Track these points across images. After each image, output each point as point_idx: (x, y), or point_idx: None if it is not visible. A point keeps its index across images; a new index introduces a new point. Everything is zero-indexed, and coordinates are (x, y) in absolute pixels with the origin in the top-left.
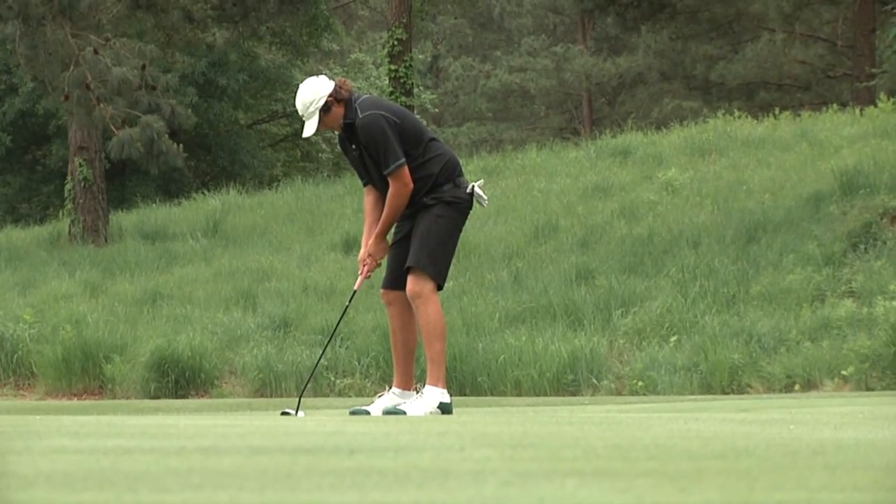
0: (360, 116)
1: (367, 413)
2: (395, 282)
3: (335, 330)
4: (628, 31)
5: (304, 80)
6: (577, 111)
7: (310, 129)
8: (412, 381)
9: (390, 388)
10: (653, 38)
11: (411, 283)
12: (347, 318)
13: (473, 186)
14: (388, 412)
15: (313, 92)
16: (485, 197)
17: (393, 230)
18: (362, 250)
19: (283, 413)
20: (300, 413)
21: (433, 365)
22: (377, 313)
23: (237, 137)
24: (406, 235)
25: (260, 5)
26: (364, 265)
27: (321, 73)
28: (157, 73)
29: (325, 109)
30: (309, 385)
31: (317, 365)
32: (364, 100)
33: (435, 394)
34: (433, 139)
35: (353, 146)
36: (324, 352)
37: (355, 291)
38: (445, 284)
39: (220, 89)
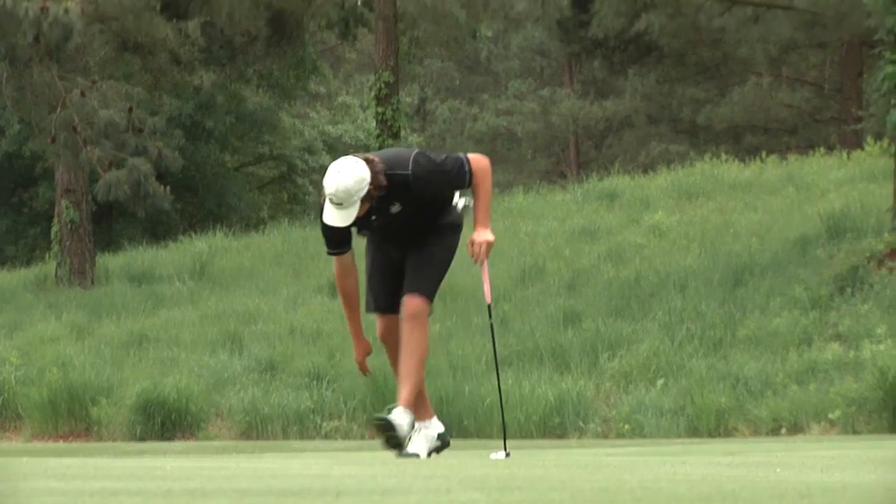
0: (409, 172)
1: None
2: (396, 305)
3: (495, 349)
4: (615, 74)
5: (338, 163)
6: (564, 154)
7: (349, 217)
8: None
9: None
10: (640, 82)
11: (418, 302)
12: (333, 361)
13: (464, 204)
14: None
15: (358, 180)
16: (470, 206)
17: (383, 245)
18: (480, 240)
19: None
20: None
21: (414, 390)
22: None
23: (224, 180)
24: (401, 254)
25: (247, 48)
26: (481, 253)
27: (351, 157)
28: (144, 116)
29: (366, 197)
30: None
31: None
32: (388, 160)
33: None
34: None
35: (387, 208)
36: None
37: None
38: (431, 328)
39: (207, 132)
